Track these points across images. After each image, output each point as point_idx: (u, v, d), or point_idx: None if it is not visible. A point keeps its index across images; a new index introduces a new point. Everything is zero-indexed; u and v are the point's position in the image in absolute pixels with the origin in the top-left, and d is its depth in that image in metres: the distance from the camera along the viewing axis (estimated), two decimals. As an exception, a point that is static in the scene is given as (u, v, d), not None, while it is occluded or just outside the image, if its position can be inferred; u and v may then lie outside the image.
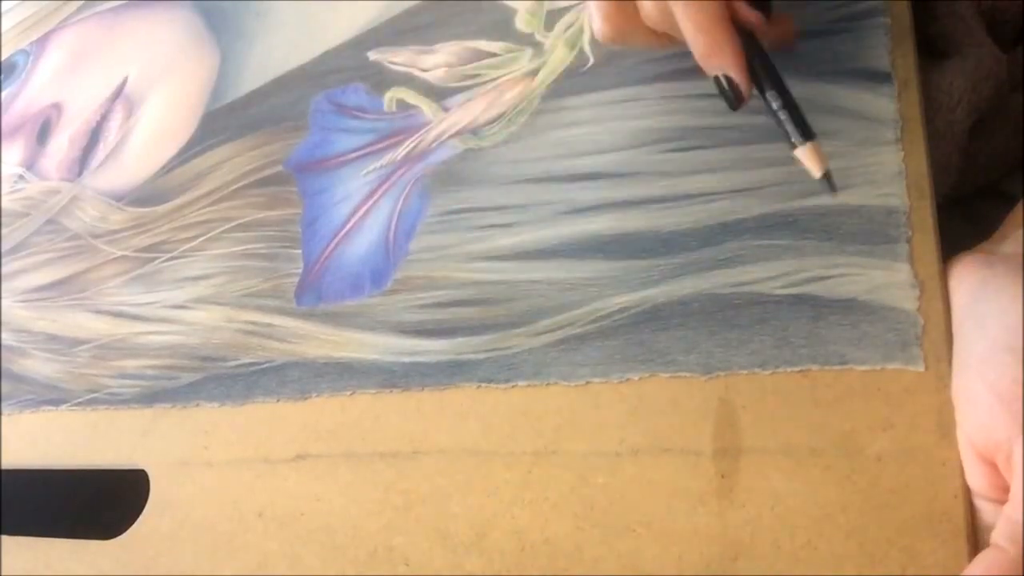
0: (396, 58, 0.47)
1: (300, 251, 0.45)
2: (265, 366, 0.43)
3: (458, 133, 0.43)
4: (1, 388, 0.51)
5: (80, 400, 0.47)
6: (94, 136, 0.55)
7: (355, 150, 0.46)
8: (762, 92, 0.32)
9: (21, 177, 0.57)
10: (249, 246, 0.46)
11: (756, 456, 0.32)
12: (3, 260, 0.55)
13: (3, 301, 0.54)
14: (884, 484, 0.30)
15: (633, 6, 0.33)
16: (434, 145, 0.43)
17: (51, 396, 0.49)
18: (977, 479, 0.29)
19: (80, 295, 0.51)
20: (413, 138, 0.44)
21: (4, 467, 0.48)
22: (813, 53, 0.37)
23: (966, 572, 0.27)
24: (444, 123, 0.44)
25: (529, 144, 0.41)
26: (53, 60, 0.60)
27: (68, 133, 0.56)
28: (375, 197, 0.44)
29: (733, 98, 0.32)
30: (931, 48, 0.38)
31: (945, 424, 0.30)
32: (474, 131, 0.43)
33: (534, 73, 0.43)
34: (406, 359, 0.39)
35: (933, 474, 0.29)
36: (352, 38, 0.49)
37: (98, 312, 0.49)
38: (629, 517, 0.33)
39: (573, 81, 0.41)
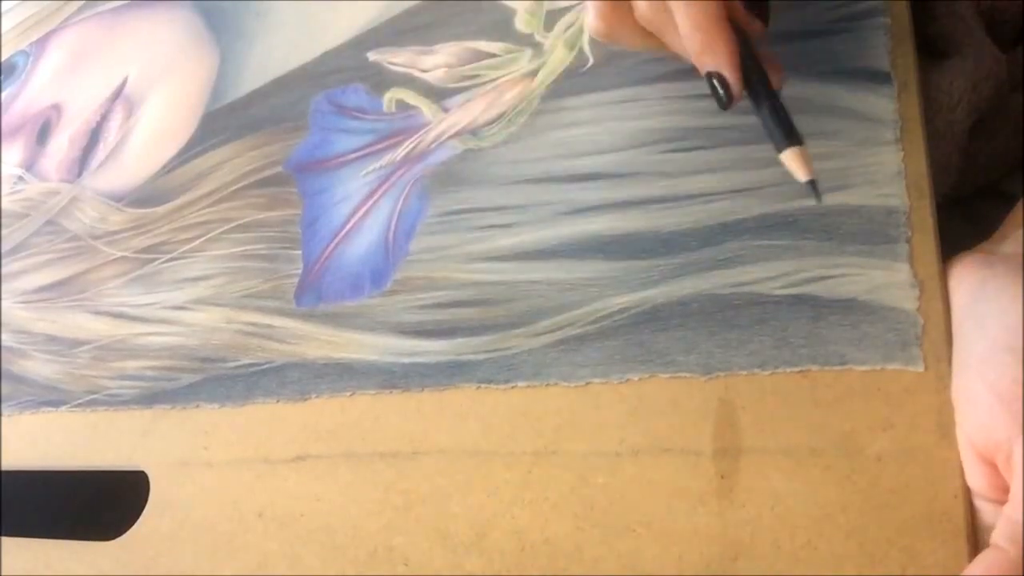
0: (396, 58, 0.47)
1: (300, 252, 0.45)
2: (265, 367, 0.43)
3: (458, 134, 0.43)
4: (1, 389, 0.51)
5: (80, 401, 0.47)
6: (94, 136, 0.55)
7: (355, 150, 0.46)
8: (752, 94, 0.32)
9: (21, 178, 0.57)
10: (249, 247, 0.46)
11: (756, 456, 0.32)
12: (3, 261, 0.55)
13: (3, 302, 0.54)
14: (884, 484, 0.30)
15: (628, 5, 0.33)
16: (434, 146, 0.43)
17: (51, 397, 0.49)
18: (977, 479, 0.29)
19: (80, 296, 0.51)
20: (413, 139, 0.44)
21: (4, 468, 0.48)
22: (813, 53, 0.37)
23: (966, 572, 0.27)
24: (444, 123, 0.44)
25: (529, 144, 0.41)
26: (53, 60, 0.60)
27: (68, 133, 0.56)
28: (375, 198, 0.44)
29: (724, 97, 0.32)
30: (931, 48, 0.38)
31: (945, 424, 0.30)
32: (474, 131, 0.43)
33: (534, 73, 0.43)
34: (406, 360, 0.39)
35: (933, 474, 0.29)
36: (352, 38, 0.49)
37: (98, 313, 0.49)
38: (629, 517, 0.33)
39: (573, 81, 0.41)
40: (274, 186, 0.47)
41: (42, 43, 0.61)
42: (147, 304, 0.48)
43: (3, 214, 0.57)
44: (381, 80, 0.47)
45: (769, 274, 0.34)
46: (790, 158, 0.31)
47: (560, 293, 0.37)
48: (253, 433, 0.41)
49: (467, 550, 0.35)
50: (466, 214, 0.41)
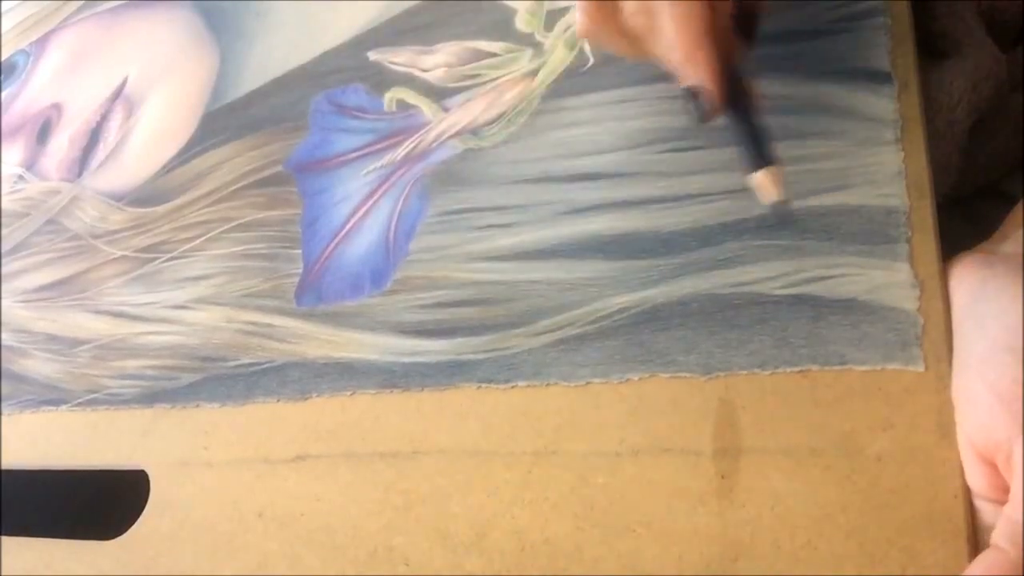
0: (396, 58, 0.47)
1: (300, 251, 0.45)
2: (265, 366, 0.43)
3: (458, 133, 0.43)
4: (1, 388, 0.51)
5: (80, 400, 0.47)
6: (94, 136, 0.55)
7: (355, 150, 0.46)
8: (732, 111, 0.32)
9: (21, 177, 0.57)
10: (249, 246, 0.46)
11: (756, 456, 0.32)
12: (3, 260, 0.55)
13: (3, 301, 0.54)
14: (884, 484, 0.30)
15: (615, 5, 0.33)
16: (434, 145, 0.43)
17: (51, 396, 0.49)
18: (977, 479, 0.29)
19: (80, 295, 0.51)
20: (413, 138, 0.44)
21: (4, 467, 0.48)
22: (813, 53, 0.37)
23: (966, 573, 0.27)
24: (444, 123, 0.44)
25: (529, 144, 0.41)
26: (53, 60, 0.60)
27: (68, 133, 0.56)
28: (375, 197, 0.44)
29: (702, 112, 0.32)
30: (931, 48, 0.38)
31: (945, 424, 0.30)
32: (474, 131, 0.43)
33: (534, 73, 0.43)
34: (406, 359, 0.39)
35: (933, 474, 0.29)
36: (352, 38, 0.49)
37: (98, 312, 0.49)
38: (629, 517, 0.33)
39: (573, 81, 0.41)
40: (274, 186, 0.47)
41: (42, 43, 0.61)
42: (147, 303, 0.48)
43: (3, 213, 0.57)
44: (381, 80, 0.47)
45: (769, 274, 0.34)
46: (764, 179, 0.31)
47: (560, 293, 0.37)
48: (253, 433, 0.41)
49: (467, 550, 0.35)
50: (466, 214, 0.41)
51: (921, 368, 0.31)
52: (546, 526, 0.34)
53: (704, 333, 0.34)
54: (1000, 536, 0.27)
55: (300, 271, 0.44)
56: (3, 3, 0.65)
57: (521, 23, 0.44)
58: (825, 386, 0.32)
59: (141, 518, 0.42)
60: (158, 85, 0.55)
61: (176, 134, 0.52)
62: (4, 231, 0.56)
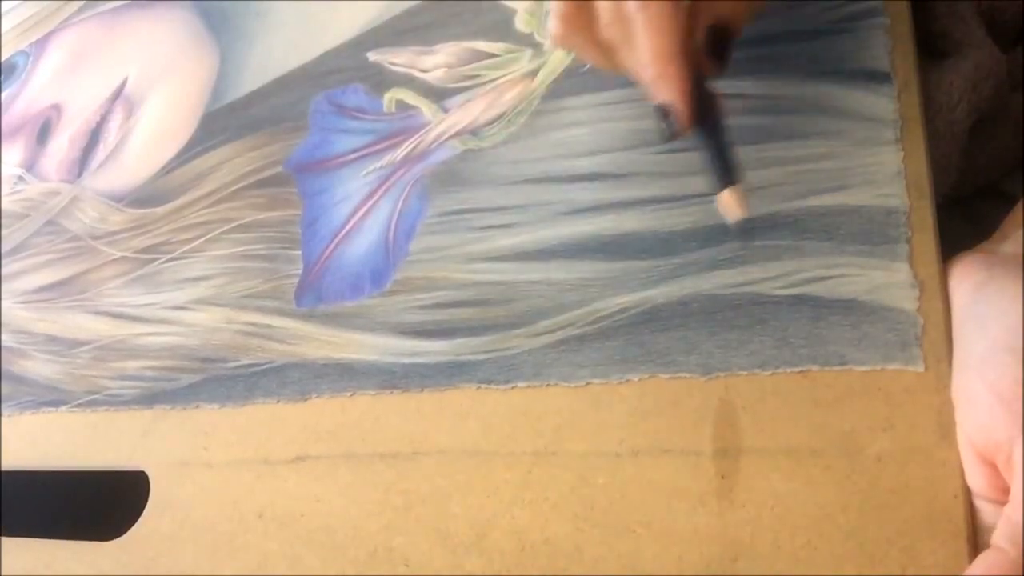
0: (396, 59, 0.47)
1: (300, 252, 0.45)
2: (265, 367, 0.43)
3: (458, 134, 0.43)
4: (1, 389, 0.51)
5: (80, 401, 0.47)
6: (94, 137, 0.55)
7: (355, 151, 0.46)
8: (701, 130, 0.32)
9: (21, 178, 0.57)
10: (249, 247, 0.46)
11: (756, 456, 0.32)
12: (3, 261, 0.55)
13: (3, 302, 0.54)
14: (884, 484, 0.30)
15: (591, 13, 0.33)
16: (434, 146, 0.43)
17: (51, 397, 0.49)
18: (977, 480, 0.29)
19: (80, 296, 0.51)
20: (413, 139, 0.44)
21: (4, 468, 0.48)
22: (813, 53, 0.37)
23: (966, 573, 0.27)
24: (444, 124, 0.44)
25: (529, 144, 0.41)
26: (53, 61, 0.60)
27: (68, 134, 0.56)
28: (375, 198, 0.44)
29: (670, 130, 0.32)
30: (931, 48, 0.38)
31: (945, 424, 0.30)
32: (474, 132, 0.43)
33: (534, 74, 0.43)
34: (406, 360, 0.39)
35: (933, 474, 0.29)
36: (352, 38, 0.49)
37: (98, 313, 0.49)
38: (629, 517, 0.33)
39: (573, 81, 0.41)
40: (274, 186, 0.47)
41: (42, 43, 0.61)
42: (147, 304, 0.48)
43: (3, 214, 0.57)
44: (381, 80, 0.47)
45: (769, 274, 0.34)
46: (729, 197, 0.32)
47: (560, 293, 0.37)
48: (253, 433, 0.41)
49: (467, 550, 0.35)
50: (466, 214, 0.41)
51: (921, 368, 0.31)
52: (546, 526, 0.34)
53: (704, 333, 0.34)
54: (1000, 536, 0.27)
55: (300, 272, 0.44)
56: (3, 3, 0.65)
57: (521, 23, 0.44)
58: (825, 386, 0.32)
59: (141, 519, 0.42)
60: (158, 85, 0.55)
61: (176, 134, 0.52)
62: (4, 232, 0.56)
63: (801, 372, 0.32)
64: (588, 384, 0.35)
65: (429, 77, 0.45)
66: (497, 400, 0.36)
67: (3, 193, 0.57)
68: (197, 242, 0.48)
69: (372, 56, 0.48)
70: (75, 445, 0.46)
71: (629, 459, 0.33)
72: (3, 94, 0.61)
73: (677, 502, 0.32)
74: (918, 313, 0.32)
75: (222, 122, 0.51)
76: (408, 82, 0.46)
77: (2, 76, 0.62)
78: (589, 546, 0.33)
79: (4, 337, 0.53)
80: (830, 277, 0.33)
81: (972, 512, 0.29)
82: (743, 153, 0.36)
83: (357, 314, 0.42)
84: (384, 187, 0.44)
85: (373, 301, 0.41)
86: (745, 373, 0.33)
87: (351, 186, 0.45)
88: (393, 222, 0.43)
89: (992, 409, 0.28)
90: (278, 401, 0.41)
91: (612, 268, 0.37)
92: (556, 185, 0.40)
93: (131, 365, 0.47)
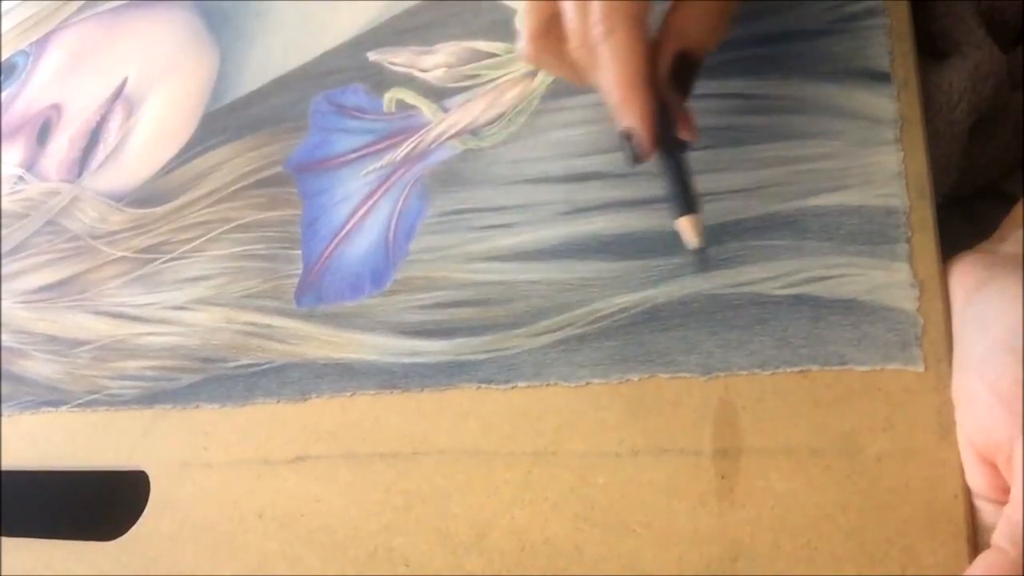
0: (396, 58, 0.47)
1: (300, 252, 0.45)
2: (265, 367, 0.43)
3: (458, 133, 0.43)
4: (1, 389, 0.51)
5: (80, 401, 0.47)
6: (94, 137, 0.55)
7: (355, 151, 0.46)
8: (662, 157, 0.33)
9: (21, 178, 0.57)
10: (249, 247, 0.46)
11: (756, 456, 0.32)
12: (3, 261, 0.55)
13: (3, 302, 0.54)
14: (884, 484, 0.30)
15: (561, 33, 0.33)
16: (434, 146, 0.43)
17: (51, 397, 0.49)
18: (977, 480, 0.29)
19: (80, 296, 0.51)
20: (413, 139, 0.44)
21: (4, 468, 0.48)
22: (813, 53, 0.37)
23: (966, 573, 0.27)
24: (444, 123, 0.44)
25: (529, 144, 0.41)
26: (53, 61, 0.60)
27: (68, 134, 0.56)
28: (375, 198, 0.44)
29: (633, 156, 0.32)
30: (931, 48, 0.38)
31: (945, 424, 0.30)
32: (474, 131, 0.43)
33: (534, 73, 0.42)
34: (406, 360, 0.39)
35: (933, 474, 0.29)
36: (352, 38, 0.49)
37: (98, 313, 0.49)
38: (629, 517, 0.33)
39: (573, 81, 0.41)
40: (274, 186, 0.47)
41: (42, 43, 0.61)
42: (147, 304, 0.48)
43: (3, 214, 0.57)
44: (381, 80, 0.47)
45: (769, 274, 0.34)
46: (685, 225, 0.33)
47: (560, 293, 0.37)
48: (253, 433, 0.41)
49: (467, 550, 0.35)
50: (466, 214, 0.41)
51: (921, 368, 0.31)
52: (546, 526, 0.34)
53: (704, 333, 0.34)
54: (1000, 536, 0.27)
55: (300, 272, 0.44)
56: (3, 3, 0.65)
57: (521, 23, 0.44)
58: (825, 386, 0.32)
59: (141, 519, 0.42)
60: (158, 85, 0.55)
61: (176, 134, 0.52)
62: (4, 232, 0.56)
63: (801, 372, 0.32)
64: (588, 384, 0.35)
65: (429, 77, 0.45)
66: (497, 400, 0.36)
67: (3, 193, 0.57)
68: (197, 242, 0.48)
69: (372, 56, 0.48)
70: (75, 445, 0.46)
71: (629, 459, 0.33)
72: (3, 94, 0.61)
73: (677, 502, 0.32)
74: (918, 313, 0.32)
75: (222, 122, 0.51)
76: (408, 82, 0.46)
77: (2, 76, 0.62)
78: (589, 546, 0.33)
79: (4, 337, 0.53)
80: (830, 277, 0.33)
81: (972, 512, 0.29)
82: (743, 152, 0.36)
83: (357, 314, 0.42)
84: (384, 187, 0.44)
85: (373, 301, 0.41)
86: (745, 373, 0.33)
87: (351, 186, 0.45)
88: (393, 222, 0.43)
89: (992, 409, 0.28)
90: (278, 401, 0.41)
91: (612, 268, 0.37)
92: (556, 185, 0.40)
93: (131, 365, 0.47)
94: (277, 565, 0.38)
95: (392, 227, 0.43)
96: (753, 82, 0.37)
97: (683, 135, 0.34)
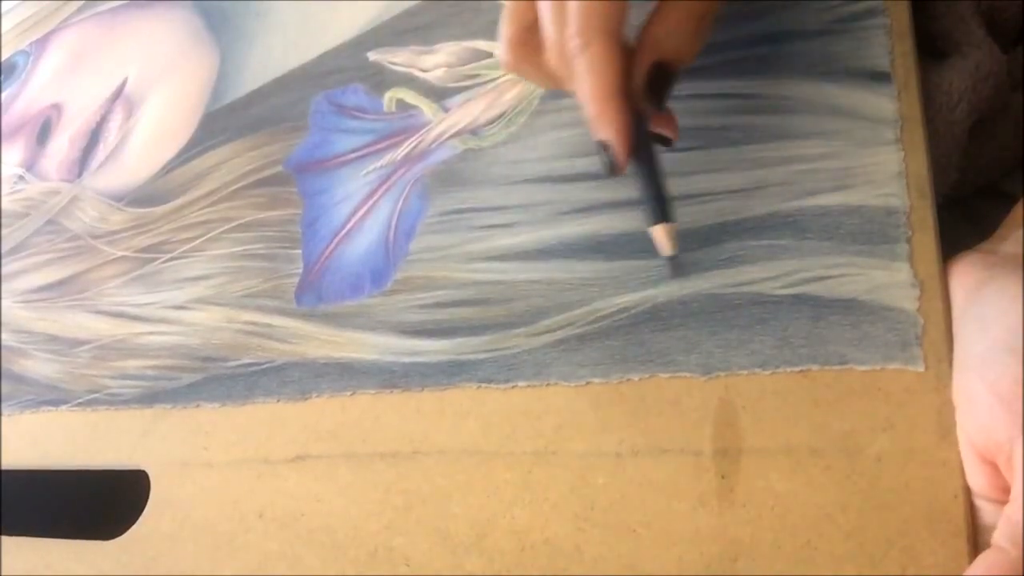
0: (396, 58, 0.47)
1: (300, 251, 0.45)
2: (265, 366, 0.43)
3: (458, 133, 0.43)
4: (1, 388, 0.51)
5: (80, 400, 0.47)
6: (94, 137, 0.55)
7: (355, 150, 0.46)
8: (637, 168, 0.33)
9: (21, 178, 0.57)
10: (249, 246, 0.46)
11: (756, 456, 0.32)
12: (3, 261, 0.55)
13: (3, 302, 0.54)
14: (884, 484, 0.30)
15: (537, 47, 0.33)
16: (434, 145, 0.43)
17: (51, 396, 0.49)
18: (978, 479, 0.29)
19: (80, 296, 0.51)
20: (413, 138, 0.44)
21: (4, 467, 0.48)
22: (813, 53, 0.37)
23: (967, 573, 0.27)
24: (444, 123, 0.44)
25: (529, 144, 0.41)
26: (53, 60, 0.60)
27: (68, 134, 0.56)
28: (375, 197, 0.44)
29: (609, 167, 0.33)
30: (931, 48, 0.38)
31: (945, 424, 0.30)
32: (474, 131, 0.43)
33: (534, 73, 0.42)
34: (406, 359, 0.39)
35: (933, 474, 0.29)
36: (352, 38, 0.49)
37: (98, 313, 0.49)
38: (629, 517, 0.33)
39: (573, 81, 0.41)
40: (274, 186, 0.47)
41: (42, 43, 0.61)
42: (147, 303, 0.48)
43: (3, 214, 0.57)
44: (381, 80, 0.47)
45: (769, 274, 0.34)
46: (659, 233, 0.33)
47: (560, 293, 0.37)
48: (253, 433, 0.41)
49: (467, 550, 0.35)
50: (466, 214, 0.41)
51: (921, 368, 0.31)
52: (546, 526, 0.34)
53: (704, 333, 0.34)
54: (1001, 536, 0.27)
55: (300, 271, 0.44)
56: (3, 3, 0.65)
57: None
58: (825, 386, 0.32)
59: (141, 518, 0.42)
60: (158, 85, 0.55)
61: (176, 134, 0.52)
62: (4, 231, 0.56)
63: (801, 372, 0.32)
64: (588, 384, 0.35)
65: (429, 77, 0.45)
66: (497, 400, 0.36)
67: (3, 193, 0.57)
68: (197, 241, 0.48)
69: (372, 56, 0.48)
70: (75, 444, 0.46)
71: (629, 459, 0.33)
72: (3, 94, 0.61)
73: (677, 502, 0.32)
74: (918, 313, 0.32)
75: (222, 122, 0.51)
76: (408, 82, 0.46)
77: (2, 76, 0.62)
78: (589, 546, 0.33)
79: (4, 336, 0.53)
80: (830, 277, 0.33)
81: (972, 512, 0.29)
82: (743, 152, 0.36)
83: (357, 313, 0.42)
84: (384, 187, 0.44)
85: (373, 300, 0.41)
86: (745, 373, 0.33)
87: (351, 186, 0.45)
88: (393, 222, 0.43)
89: (992, 409, 0.28)
90: (278, 400, 0.41)
91: (612, 268, 0.37)
92: (556, 185, 0.40)
93: (131, 364, 0.47)
94: (277, 565, 0.38)
95: (392, 227, 0.43)
96: (753, 82, 0.37)
97: (666, 133, 0.34)
